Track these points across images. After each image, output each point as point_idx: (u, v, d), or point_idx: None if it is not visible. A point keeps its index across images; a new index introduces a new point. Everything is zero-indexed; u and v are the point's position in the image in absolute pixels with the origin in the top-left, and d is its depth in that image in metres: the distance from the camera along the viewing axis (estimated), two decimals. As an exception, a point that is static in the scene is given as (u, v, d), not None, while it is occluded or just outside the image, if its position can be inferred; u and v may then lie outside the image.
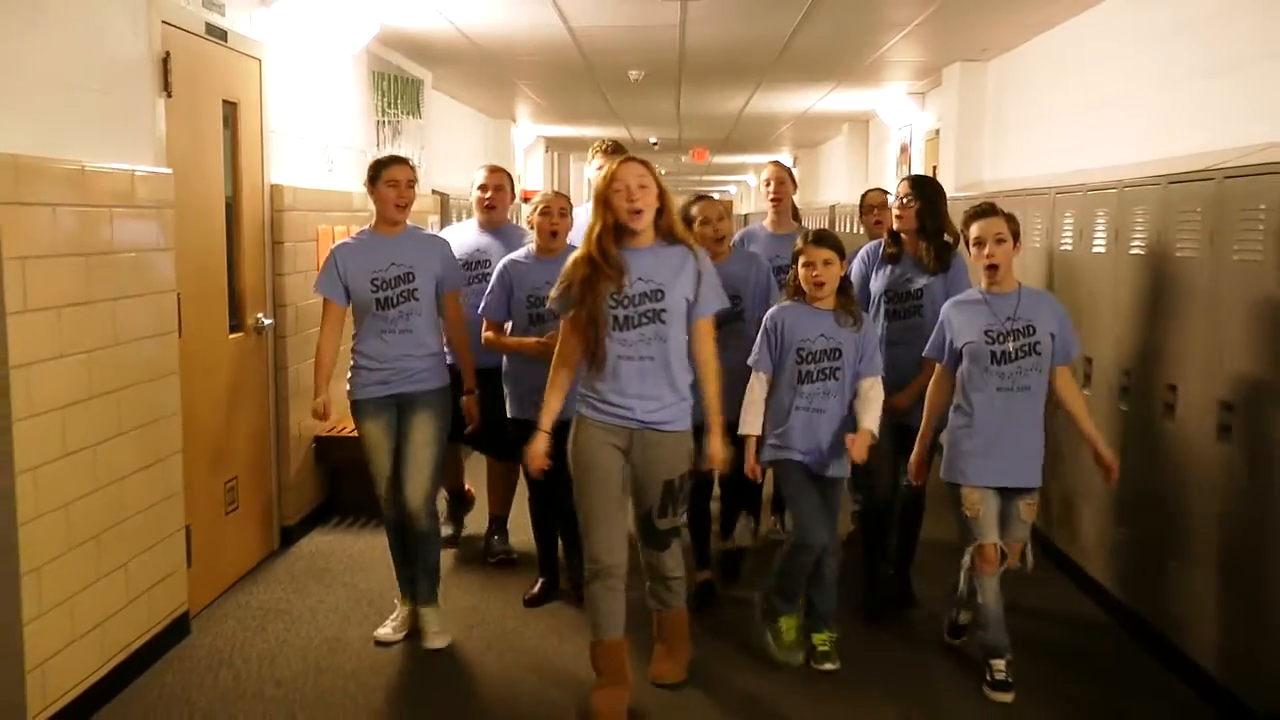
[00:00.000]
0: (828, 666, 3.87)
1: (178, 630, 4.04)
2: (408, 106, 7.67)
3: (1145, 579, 4.15)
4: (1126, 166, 4.96)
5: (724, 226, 4.41)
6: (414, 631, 4.12)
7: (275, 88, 5.09)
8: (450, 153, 9.52)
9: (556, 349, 3.55)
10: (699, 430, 3.58)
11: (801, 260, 3.82)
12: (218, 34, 4.49)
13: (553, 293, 3.51)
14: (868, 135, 12.33)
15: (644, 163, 3.40)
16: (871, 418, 3.78)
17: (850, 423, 3.79)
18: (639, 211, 3.35)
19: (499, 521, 5.10)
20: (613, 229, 3.37)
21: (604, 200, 3.37)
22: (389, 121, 7.20)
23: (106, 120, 3.66)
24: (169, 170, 3.98)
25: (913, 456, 3.99)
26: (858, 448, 3.71)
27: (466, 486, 5.44)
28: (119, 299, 3.61)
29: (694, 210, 4.40)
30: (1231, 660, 3.56)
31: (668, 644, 3.75)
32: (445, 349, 4.20)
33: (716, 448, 3.51)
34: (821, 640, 3.92)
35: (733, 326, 4.16)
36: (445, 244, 4.27)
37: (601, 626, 3.51)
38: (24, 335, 3.06)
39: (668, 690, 3.69)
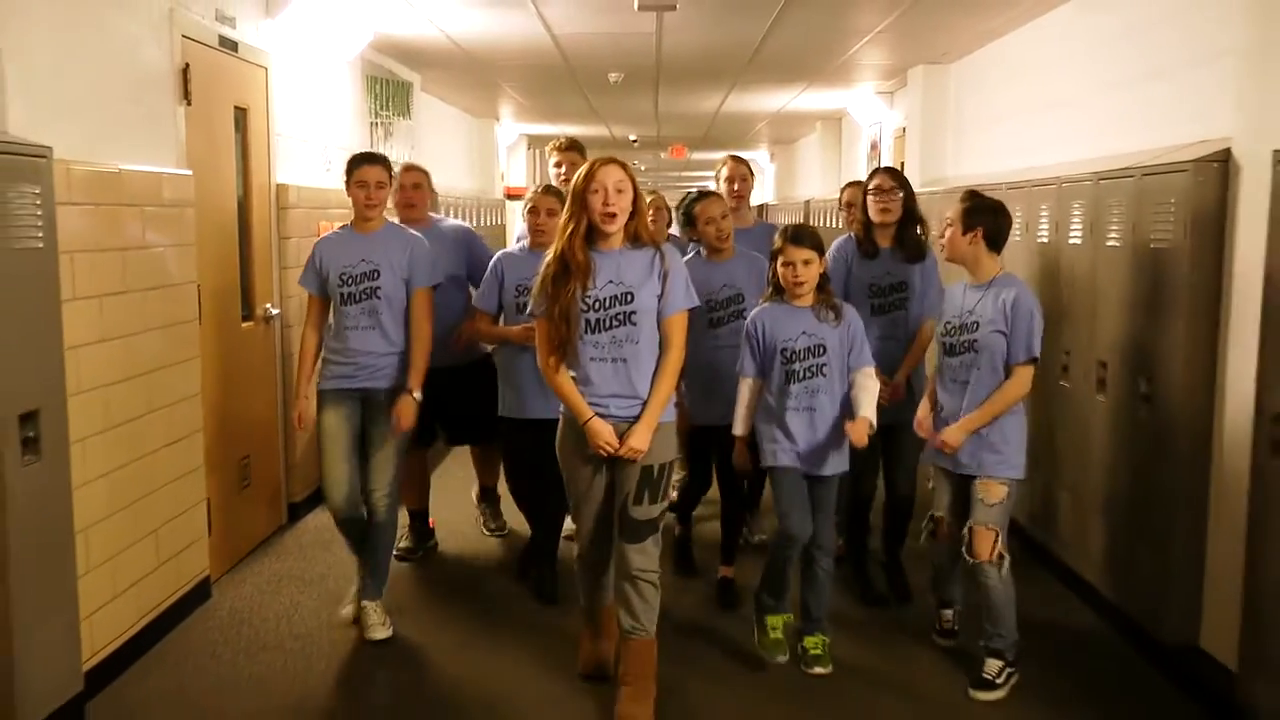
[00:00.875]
0: (818, 670, 3.84)
1: (200, 593, 4.41)
2: (399, 108, 8.04)
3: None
4: (1072, 164, 5.37)
5: (726, 225, 4.40)
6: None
7: (280, 93, 5.46)
8: (438, 152, 9.88)
9: (537, 350, 3.52)
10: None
11: (781, 260, 3.78)
12: (229, 45, 4.86)
13: (532, 293, 3.52)
14: (840, 132, 12.74)
15: (623, 165, 3.40)
16: (869, 406, 3.75)
17: (842, 420, 3.78)
18: (613, 215, 3.35)
19: (490, 490, 5.39)
20: (585, 229, 3.39)
21: (580, 200, 3.37)
22: (381, 123, 7.57)
23: (135, 127, 4.03)
24: (189, 172, 4.35)
25: (919, 410, 3.97)
26: (857, 433, 3.69)
27: (431, 521, 5.24)
28: (150, 289, 3.98)
29: (696, 209, 4.41)
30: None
31: (632, 681, 3.48)
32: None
33: (638, 437, 3.38)
34: (813, 644, 3.89)
35: (735, 325, 4.21)
36: (419, 242, 4.22)
37: (590, 601, 3.76)
38: (73, 321, 3.43)
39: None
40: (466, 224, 5.77)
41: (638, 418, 3.40)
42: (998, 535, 3.65)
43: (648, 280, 3.40)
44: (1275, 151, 3.25)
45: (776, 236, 3.85)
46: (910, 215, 4.28)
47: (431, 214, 5.07)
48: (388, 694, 3.76)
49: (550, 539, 4.61)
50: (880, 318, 4.33)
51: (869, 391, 3.78)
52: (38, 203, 3.14)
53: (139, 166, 3.96)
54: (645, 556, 3.46)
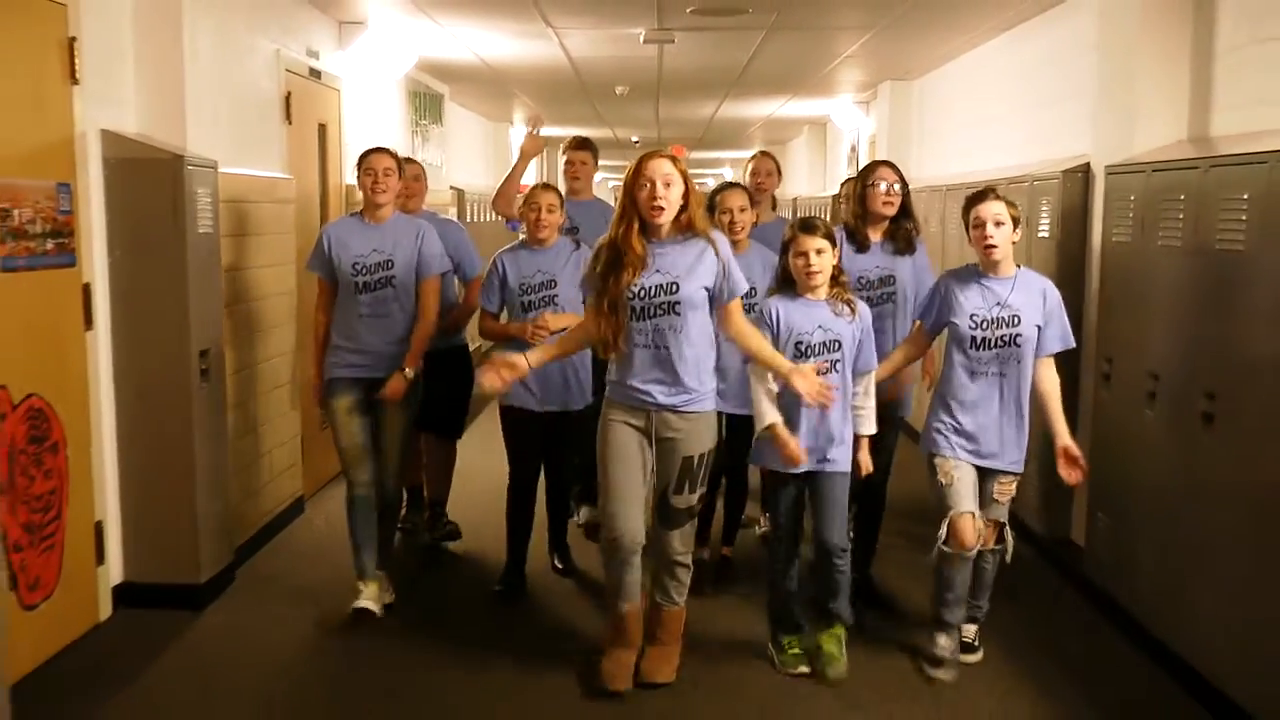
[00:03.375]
0: (832, 674, 3.72)
1: (297, 507, 5.61)
2: (433, 116, 9.23)
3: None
4: (998, 169, 6.55)
5: (743, 218, 4.39)
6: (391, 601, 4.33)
7: (348, 110, 6.66)
8: (462, 154, 11.07)
9: (582, 322, 3.63)
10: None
11: (793, 250, 3.68)
12: (314, 74, 6.06)
13: (584, 273, 3.58)
14: (825, 136, 13.91)
15: (672, 158, 3.41)
16: (868, 423, 3.78)
17: (849, 414, 3.74)
18: (661, 208, 3.36)
19: (439, 505, 5.16)
20: (639, 222, 3.41)
21: (629, 193, 3.39)
22: (420, 130, 8.75)
23: (257, 142, 5.23)
24: (291, 176, 5.55)
25: (881, 369, 3.88)
26: (864, 458, 3.79)
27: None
28: (266, 266, 5.17)
29: (718, 198, 4.45)
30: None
31: (661, 642, 3.66)
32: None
33: (809, 379, 3.44)
34: (828, 639, 3.78)
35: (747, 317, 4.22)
36: (429, 231, 4.30)
37: (620, 597, 3.62)
38: (231, 285, 4.63)
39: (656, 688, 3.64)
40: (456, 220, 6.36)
41: (679, 405, 3.46)
42: (1005, 525, 3.79)
43: (695, 271, 3.42)
44: (1106, 167, 4.46)
45: (787, 228, 3.81)
46: (905, 209, 4.24)
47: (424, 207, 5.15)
48: (437, 598, 4.93)
49: (560, 518, 4.75)
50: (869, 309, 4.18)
51: (870, 404, 3.79)
52: (209, 200, 4.35)
53: (261, 173, 5.15)
54: (683, 541, 3.58)
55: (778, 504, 3.78)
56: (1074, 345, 3.74)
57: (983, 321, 3.64)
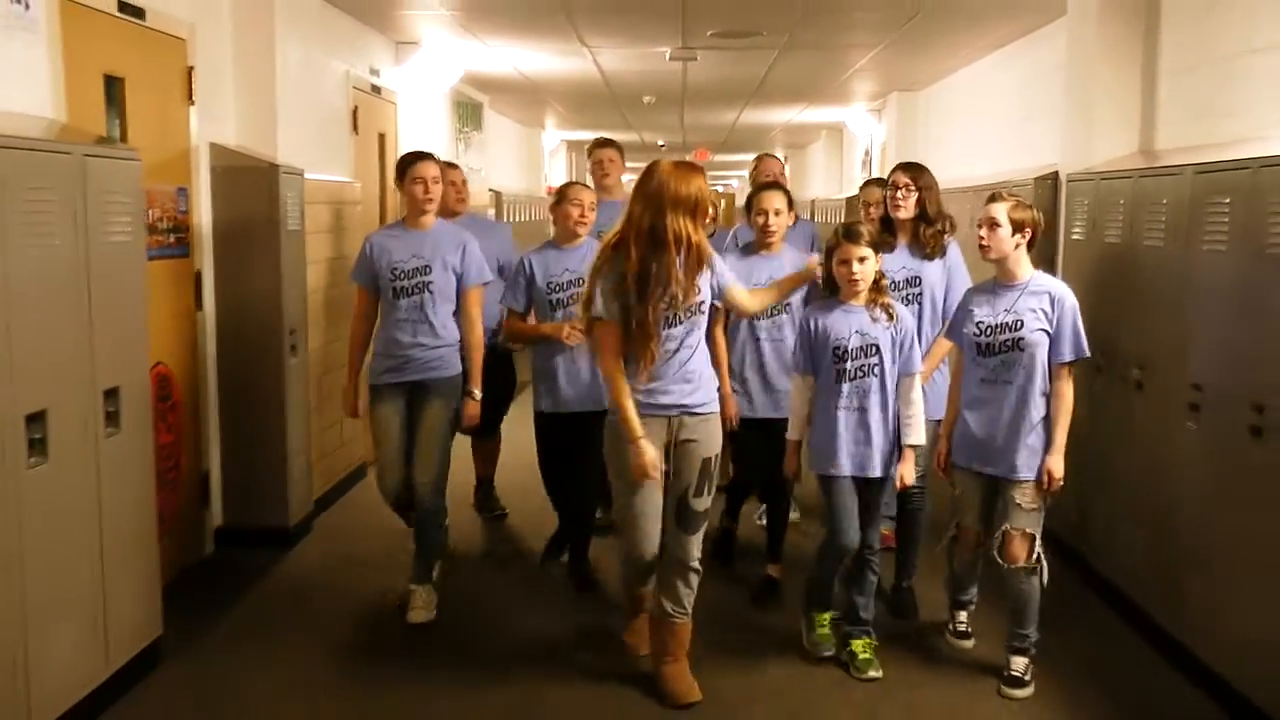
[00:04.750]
0: (871, 674, 3.75)
1: (360, 471, 6.36)
2: (474, 124, 10.00)
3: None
4: (988, 175, 7.22)
5: (779, 221, 4.34)
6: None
7: (404, 121, 7.43)
8: (499, 159, 11.84)
9: (605, 352, 3.47)
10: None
11: (837, 258, 3.72)
12: (375, 90, 6.83)
13: (594, 290, 3.45)
14: (841, 141, 14.59)
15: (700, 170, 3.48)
16: (915, 432, 3.76)
17: (891, 420, 3.75)
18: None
19: (488, 483, 5.55)
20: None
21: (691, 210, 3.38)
22: (463, 137, 9.52)
23: (329, 151, 6.00)
24: (357, 181, 6.32)
25: (938, 448, 3.92)
26: (906, 471, 3.77)
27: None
28: (338, 259, 5.94)
29: (756, 196, 4.44)
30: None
31: (677, 658, 3.63)
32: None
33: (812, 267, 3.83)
34: (862, 647, 3.82)
35: (777, 320, 4.30)
36: (470, 240, 4.32)
37: (638, 607, 3.80)
38: (312, 276, 5.40)
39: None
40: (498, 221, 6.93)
41: (698, 405, 3.51)
42: (1035, 539, 3.63)
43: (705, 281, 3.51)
44: (1067, 175, 5.16)
45: (833, 234, 3.80)
46: (926, 212, 4.22)
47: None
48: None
49: (585, 529, 4.68)
50: None
51: (916, 411, 3.77)
52: (297, 202, 5.12)
53: (333, 178, 5.93)
54: (698, 545, 3.57)
55: (827, 506, 3.80)
56: (1087, 355, 3.66)
57: (987, 328, 3.65)
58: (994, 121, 7.80)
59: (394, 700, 3.63)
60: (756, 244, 4.42)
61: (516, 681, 3.76)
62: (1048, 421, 3.64)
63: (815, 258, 3.93)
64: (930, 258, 4.24)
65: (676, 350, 3.46)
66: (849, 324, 3.73)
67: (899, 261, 4.23)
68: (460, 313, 4.29)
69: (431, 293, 4.19)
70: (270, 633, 4.17)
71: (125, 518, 3.55)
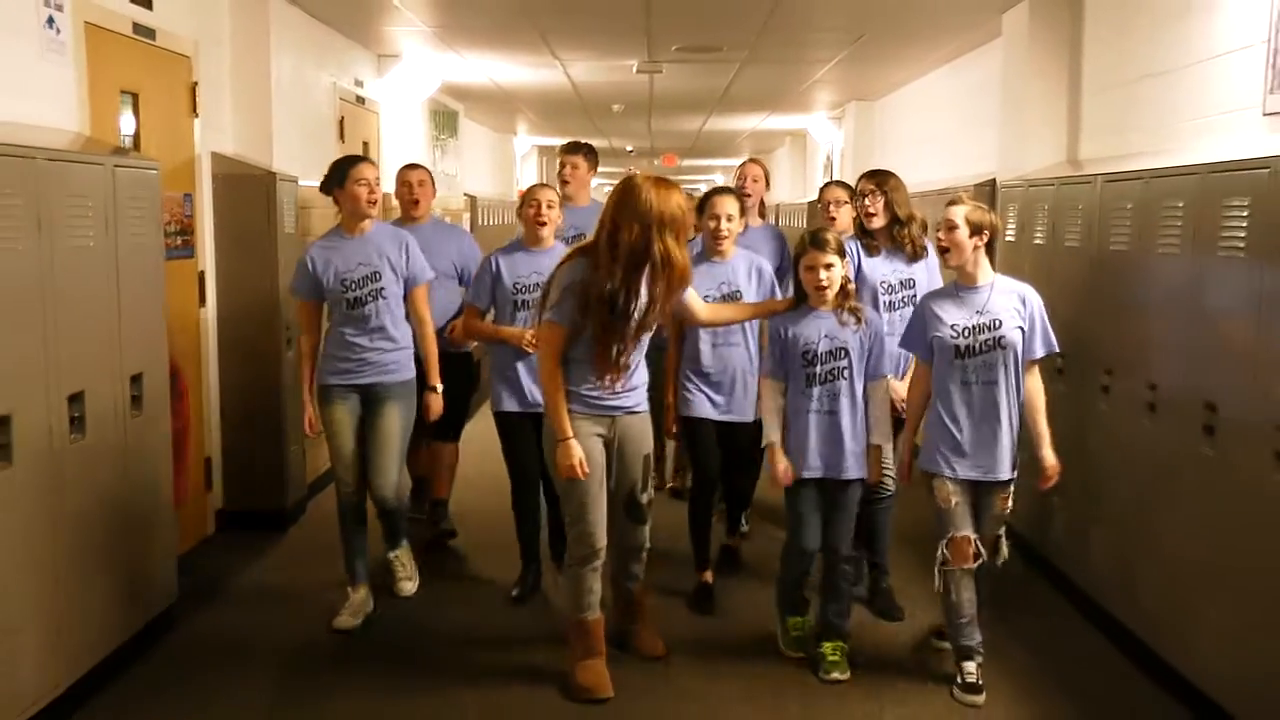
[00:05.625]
0: (835, 676, 3.78)
1: (347, 461, 6.74)
2: (450, 131, 10.40)
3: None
4: (937, 181, 7.72)
5: (731, 226, 4.33)
6: (368, 617, 4.28)
7: (385, 129, 7.83)
8: (474, 164, 12.24)
9: (548, 353, 3.53)
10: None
11: (804, 264, 3.76)
12: (359, 100, 7.23)
13: (555, 298, 3.49)
14: (805, 147, 15.09)
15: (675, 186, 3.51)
16: (881, 431, 3.82)
17: (861, 422, 3.80)
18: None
19: (442, 504, 5.28)
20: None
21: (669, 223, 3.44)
22: (439, 144, 9.92)
23: (318, 159, 6.30)
24: (344, 186, 6.70)
25: (900, 455, 3.99)
26: (873, 469, 3.81)
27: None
28: (327, 261, 6.31)
29: (708, 202, 4.41)
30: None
31: (644, 620, 3.94)
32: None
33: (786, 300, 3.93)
34: (830, 649, 3.85)
35: (734, 325, 4.26)
36: (409, 238, 4.33)
37: (588, 605, 3.67)
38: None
39: (652, 684, 3.77)
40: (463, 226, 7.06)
41: (636, 405, 3.67)
42: (1001, 536, 3.79)
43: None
44: (1000, 183, 5.65)
45: (800, 241, 3.84)
46: (898, 215, 4.29)
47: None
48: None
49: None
50: (890, 314, 4.27)
51: (883, 412, 3.83)
52: (292, 206, 5.52)
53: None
54: (646, 531, 3.82)
55: (788, 508, 3.88)
56: (1057, 349, 3.78)
57: (965, 330, 3.66)
58: (942, 130, 8.31)
59: (388, 650, 4.05)
60: (708, 250, 4.37)
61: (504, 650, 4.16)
62: (1022, 418, 3.72)
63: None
64: (916, 258, 4.34)
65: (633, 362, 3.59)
66: (818, 328, 3.78)
67: (889, 266, 4.32)
68: (411, 313, 4.30)
69: (385, 298, 4.18)
70: (274, 601, 4.55)
71: (148, 491, 3.94)
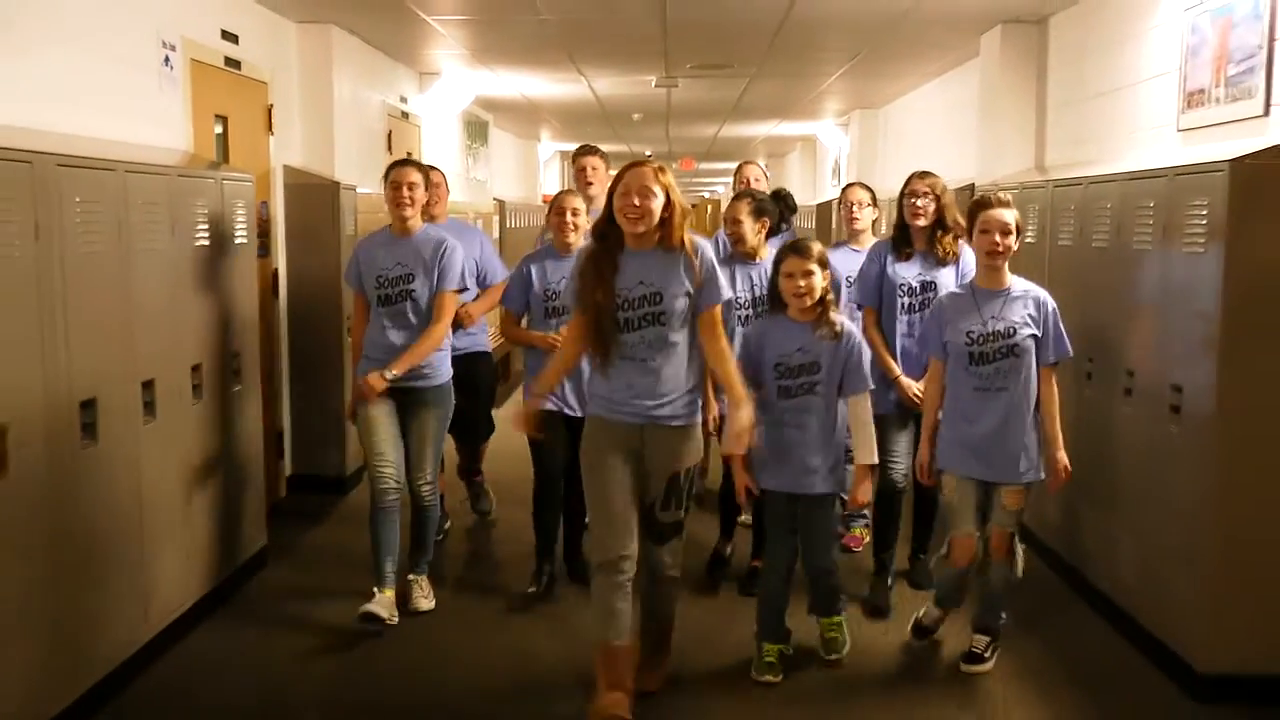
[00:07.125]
0: (834, 656, 3.85)
1: (395, 439, 7.51)
2: (481, 140, 11.18)
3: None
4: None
5: (739, 230, 4.37)
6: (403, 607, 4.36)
7: (426, 140, 8.61)
8: (501, 170, 13.02)
9: (567, 334, 3.60)
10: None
11: (782, 270, 3.66)
12: (404, 115, 8.01)
13: (566, 287, 3.60)
14: (815, 152, 15.80)
15: (659, 169, 3.33)
16: (866, 450, 3.67)
17: (832, 437, 3.68)
18: (640, 216, 3.26)
19: (475, 474, 5.66)
20: (612, 229, 3.36)
21: (609, 201, 3.34)
22: (472, 152, 10.70)
23: (370, 169, 7.16)
24: (391, 193, 7.48)
25: (919, 455, 3.94)
26: (860, 492, 3.69)
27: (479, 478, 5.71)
28: (378, 259, 7.09)
29: (726, 208, 4.49)
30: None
31: (651, 653, 3.66)
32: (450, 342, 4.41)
33: (743, 419, 3.35)
34: (829, 625, 3.87)
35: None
36: (454, 247, 4.29)
37: (607, 626, 3.37)
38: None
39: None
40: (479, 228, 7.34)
41: (668, 417, 3.36)
42: (1014, 536, 3.77)
43: (675, 280, 3.33)
44: (978, 187, 6.37)
45: (780, 249, 3.78)
46: (942, 219, 4.36)
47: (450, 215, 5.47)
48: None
49: (580, 525, 4.62)
50: (909, 315, 4.36)
51: (865, 426, 3.68)
52: (352, 211, 6.28)
53: (374, 191, 7.09)
54: (672, 555, 3.51)
55: (766, 520, 3.85)
56: (1070, 354, 3.76)
57: (979, 336, 3.64)
58: (935, 137, 9.02)
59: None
60: (732, 252, 4.50)
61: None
62: (1037, 421, 3.71)
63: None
64: (944, 263, 4.38)
65: (635, 360, 3.34)
66: (792, 339, 3.67)
67: (914, 269, 4.38)
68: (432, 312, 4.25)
69: (415, 300, 4.22)
70: (338, 553, 5.29)
71: (227, 459, 4.50)
